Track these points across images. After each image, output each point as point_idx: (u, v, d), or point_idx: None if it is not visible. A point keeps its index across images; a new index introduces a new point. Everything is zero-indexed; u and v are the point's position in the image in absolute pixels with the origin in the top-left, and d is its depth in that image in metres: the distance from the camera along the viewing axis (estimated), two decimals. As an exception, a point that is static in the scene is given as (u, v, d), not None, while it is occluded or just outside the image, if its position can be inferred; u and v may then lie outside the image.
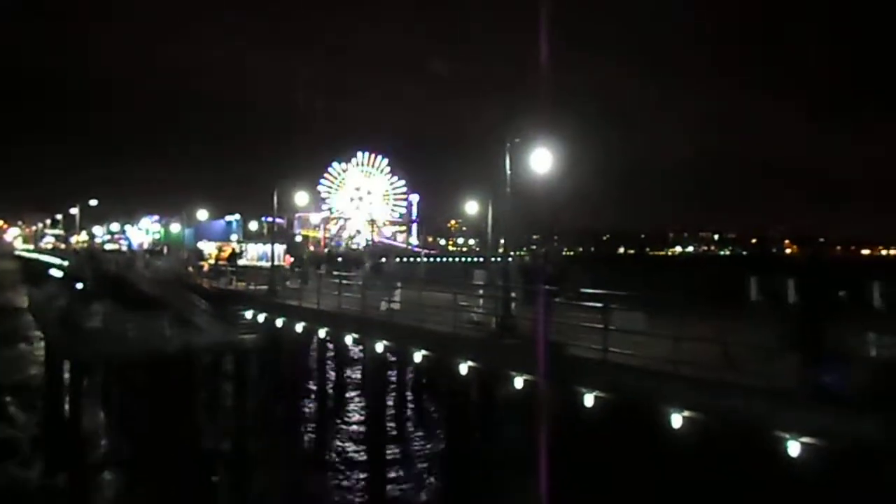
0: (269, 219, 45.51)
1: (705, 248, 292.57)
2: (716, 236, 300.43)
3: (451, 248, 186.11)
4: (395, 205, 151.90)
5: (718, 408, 12.40)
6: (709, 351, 13.12)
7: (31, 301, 46.50)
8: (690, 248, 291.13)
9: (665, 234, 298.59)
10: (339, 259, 64.83)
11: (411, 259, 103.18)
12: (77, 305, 33.08)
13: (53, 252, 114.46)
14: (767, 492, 11.87)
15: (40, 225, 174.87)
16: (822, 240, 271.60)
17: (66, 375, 27.04)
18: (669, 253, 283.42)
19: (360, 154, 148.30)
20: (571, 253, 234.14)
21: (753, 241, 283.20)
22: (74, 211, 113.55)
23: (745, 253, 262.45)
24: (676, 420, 12.86)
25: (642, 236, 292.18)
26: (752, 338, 12.90)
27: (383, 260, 44.01)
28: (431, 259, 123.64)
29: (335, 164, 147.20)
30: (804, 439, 11.07)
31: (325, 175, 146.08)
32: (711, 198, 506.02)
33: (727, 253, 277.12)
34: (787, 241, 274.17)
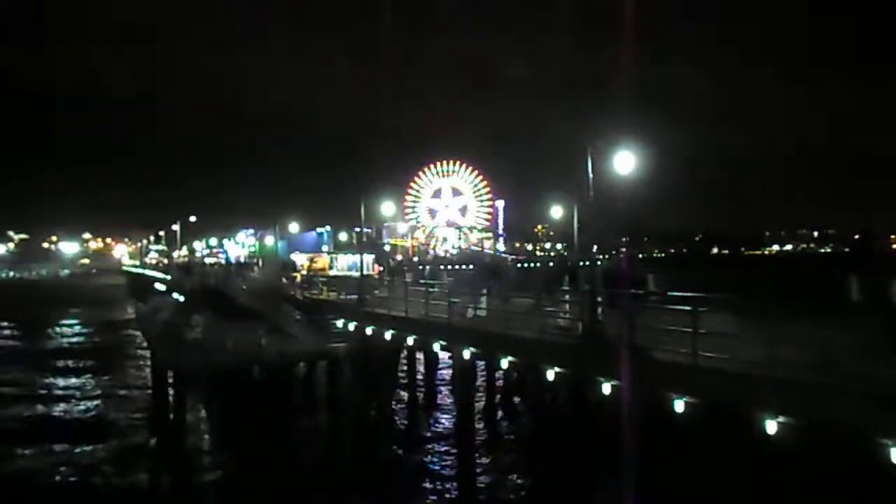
0: (357, 229, 46.47)
1: (804, 246, 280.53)
2: (815, 233, 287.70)
3: (538, 253, 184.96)
4: (480, 211, 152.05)
5: (816, 413, 11.98)
6: (805, 354, 12.69)
7: (137, 314, 49.03)
8: (788, 247, 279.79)
9: (761, 232, 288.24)
10: (426, 267, 65.49)
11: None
12: (179, 318, 34.67)
13: (157, 267, 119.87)
14: (868, 499, 11.40)
15: (145, 241, 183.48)
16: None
17: (170, 384, 28.40)
18: (766, 252, 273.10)
19: (445, 163, 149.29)
20: (663, 255, 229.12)
21: (855, 237, 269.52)
22: (176, 227, 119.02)
23: (846, 250, 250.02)
24: (771, 426, 12.48)
25: (737, 235, 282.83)
26: (851, 340, 12.40)
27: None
28: (519, 265, 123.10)
29: (421, 174, 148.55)
30: (908, 445, 10.60)
31: (412, 184, 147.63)
32: (810, 194, 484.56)
33: (828, 251, 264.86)
34: (893, 237, 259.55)
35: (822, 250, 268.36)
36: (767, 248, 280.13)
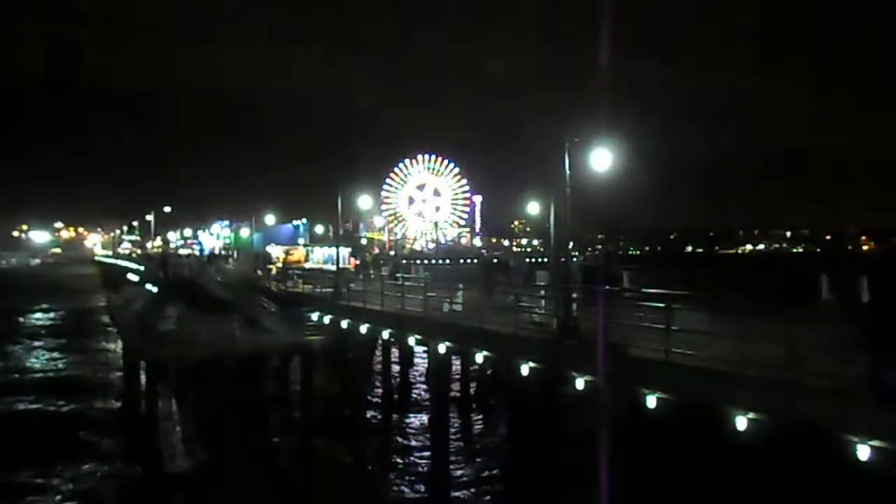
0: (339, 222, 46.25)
1: (777, 245, 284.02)
2: (788, 233, 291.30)
3: (514, 249, 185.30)
4: (457, 206, 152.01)
5: (785, 410, 12.14)
6: (775, 352, 12.85)
7: (109, 304, 48.48)
8: (762, 246, 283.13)
9: (735, 231, 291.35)
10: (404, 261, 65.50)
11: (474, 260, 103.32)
12: (152, 309, 34.36)
13: (131, 257, 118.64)
14: (835, 496, 11.58)
15: (118, 231, 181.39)
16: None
17: (143, 375, 28.16)
18: (740, 251, 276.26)
19: (424, 156, 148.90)
20: (638, 252, 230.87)
21: (828, 237, 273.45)
22: (150, 217, 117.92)
23: (818, 250, 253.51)
24: (741, 422, 12.64)
25: (711, 234, 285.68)
26: (821, 338, 12.58)
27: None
28: (496, 261, 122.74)
29: (400, 165, 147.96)
30: (874, 442, 10.77)
31: (390, 177, 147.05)
32: (783, 194, 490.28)
33: (800, 250, 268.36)
34: (863, 238, 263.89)
35: (795, 250, 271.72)
36: (741, 248, 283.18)
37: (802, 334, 12.64)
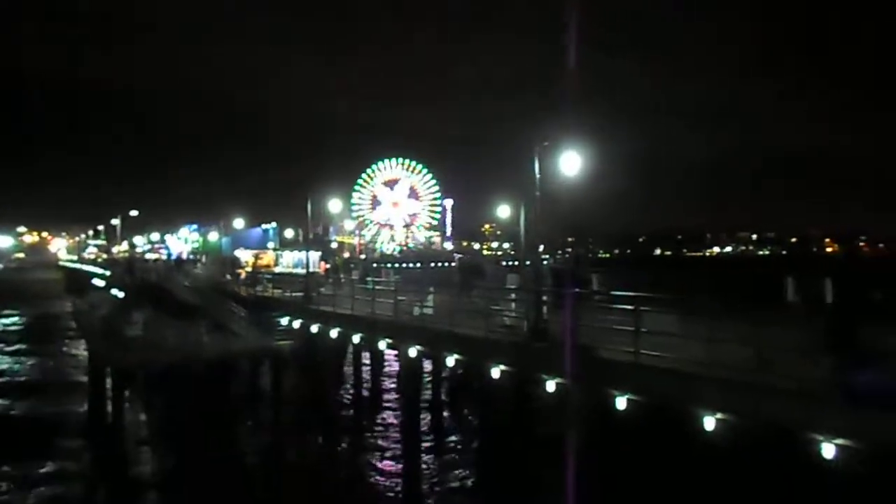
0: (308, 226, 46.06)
1: (744, 248, 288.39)
2: (754, 236, 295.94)
3: (485, 252, 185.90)
4: (435, 210, 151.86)
5: (752, 410, 12.28)
6: (743, 354, 12.99)
7: (74, 310, 47.69)
8: (728, 249, 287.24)
9: (702, 234, 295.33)
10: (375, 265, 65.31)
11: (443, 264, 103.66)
12: (118, 314, 33.85)
13: (96, 262, 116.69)
14: (802, 494, 11.73)
15: (83, 236, 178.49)
16: (863, 238, 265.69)
17: (109, 381, 27.68)
18: (707, 254, 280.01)
19: (395, 160, 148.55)
20: (608, 255, 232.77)
21: (793, 240, 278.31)
22: (116, 222, 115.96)
23: (784, 253, 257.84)
24: (709, 422, 12.77)
25: (679, 237, 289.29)
26: (786, 339, 12.75)
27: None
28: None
29: (372, 167, 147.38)
30: (839, 441, 10.94)
31: (360, 180, 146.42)
32: (750, 198, 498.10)
33: (766, 253, 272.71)
34: (827, 240, 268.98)
35: (761, 252, 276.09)
36: (708, 250, 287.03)
37: (769, 336, 12.81)
